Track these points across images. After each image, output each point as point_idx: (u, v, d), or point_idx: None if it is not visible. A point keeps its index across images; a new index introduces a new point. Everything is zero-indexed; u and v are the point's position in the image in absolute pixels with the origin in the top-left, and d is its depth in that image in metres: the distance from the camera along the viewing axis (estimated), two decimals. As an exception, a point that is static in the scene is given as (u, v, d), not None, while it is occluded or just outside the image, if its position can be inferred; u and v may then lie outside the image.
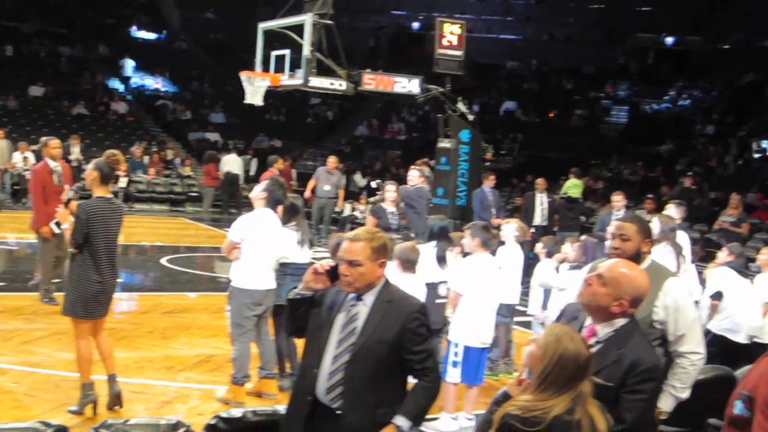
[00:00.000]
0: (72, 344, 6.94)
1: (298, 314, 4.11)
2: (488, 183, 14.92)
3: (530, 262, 9.96)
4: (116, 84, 33.05)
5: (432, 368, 4.04)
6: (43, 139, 11.26)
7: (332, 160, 18.78)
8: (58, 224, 6.68)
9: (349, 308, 4.00)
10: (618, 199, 13.48)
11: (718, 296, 8.48)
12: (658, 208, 13.85)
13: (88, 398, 6.61)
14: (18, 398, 6.93)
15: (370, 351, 3.89)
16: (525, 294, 9.37)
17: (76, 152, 22.21)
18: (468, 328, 7.07)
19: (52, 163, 10.57)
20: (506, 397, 3.53)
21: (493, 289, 7.33)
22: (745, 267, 10.99)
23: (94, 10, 37.21)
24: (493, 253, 8.23)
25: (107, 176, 6.72)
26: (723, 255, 9.18)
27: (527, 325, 9.67)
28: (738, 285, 8.43)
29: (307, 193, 18.30)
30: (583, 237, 8.44)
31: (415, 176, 12.11)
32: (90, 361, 6.67)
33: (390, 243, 4.27)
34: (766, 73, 28.11)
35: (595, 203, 19.63)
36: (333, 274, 3.97)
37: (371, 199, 19.13)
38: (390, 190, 11.03)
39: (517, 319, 9.63)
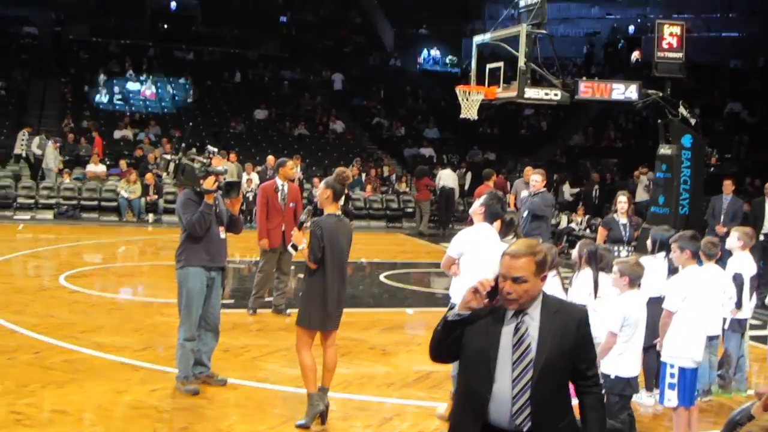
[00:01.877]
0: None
1: (454, 337, 3.89)
2: (725, 190, 14.37)
3: (761, 272, 9.35)
4: (334, 104, 34.13)
5: (598, 376, 3.95)
6: (281, 159, 11.88)
7: (528, 170, 18.43)
8: (294, 247, 6.94)
9: (517, 325, 3.79)
10: None
11: None
12: None
13: (315, 409, 6.76)
14: (248, 413, 7.17)
15: (553, 365, 3.73)
16: (759, 306, 8.78)
17: (297, 172, 23.02)
18: (682, 348, 6.66)
19: (279, 183, 11.18)
20: (749, 418, 3.26)
21: (708, 304, 6.90)
22: None
23: (312, 34, 38.72)
24: (721, 263, 7.78)
25: (339, 194, 7.07)
26: None
27: (764, 340, 9.03)
28: None
29: (511, 207, 18.07)
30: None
31: (538, 181, 11.66)
32: (314, 369, 6.85)
33: (550, 255, 4.08)
34: None
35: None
36: (493, 291, 3.79)
37: None
38: (622, 201, 10.69)
39: (753, 333, 9.04)
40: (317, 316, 6.82)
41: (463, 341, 3.87)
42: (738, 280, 8.06)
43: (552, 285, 7.02)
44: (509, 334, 3.78)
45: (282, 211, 11.16)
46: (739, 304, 8.11)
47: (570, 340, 3.77)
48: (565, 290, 7.03)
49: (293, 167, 11.67)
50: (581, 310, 3.97)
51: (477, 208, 7.37)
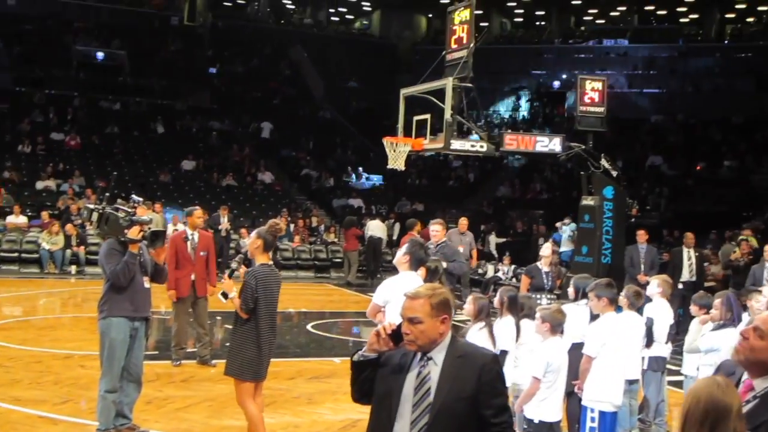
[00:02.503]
0: (223, 411, 7.07)
1: (363, 378, 3.94)
2: (640, 239, 14.65)
3: (680, 320, 9.60)
4: (263, 155, 34.08)
5: (509, 423, 3.85)
6: (189, 209, 11.81)
7: (463, 222, 18.55)
8: (225, 295, 6.91)
9: (420, 369, 3.82)
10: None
11: None
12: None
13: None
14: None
15: (449, 410, 3.72)
16: (677, 352, 9.00)
17: (225, 222, 22.90)
18: (601, 392, 6.85)
19: (189, 232, 11.20)
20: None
21: (626, 349, 7.11)
22: None
23: (242, 85, 38.75)
24: (639, 310, 7.98)
25: (270, 245, 7.09)
26: None
27: (681, 384, 9.22)
28: None
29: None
30: (724, 292, 7.97)
31: (438, 231, 11.79)
32: (261, 419, 6.81)
33: (452, 299, 4.09)
34: None
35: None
36: (397, 335, 3.83)
37: None
38: (546, 248, 10.85)
39: (671, 378, 9.24)
40: (250, 366, 6.77)
41: (375, 383, 3.91)
42: (648, 322, 8.29)
43: (478, 336, 7.07)
44: (413, 378, 3.81)
45: (192, 261, 11.08)
46: (649, 343, 8.31)
47: (471, 386, 3.73)
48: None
49: (201, 215, 11.58)
50: (486, 355, 3.95)
51: (401, 257, 7.43)
